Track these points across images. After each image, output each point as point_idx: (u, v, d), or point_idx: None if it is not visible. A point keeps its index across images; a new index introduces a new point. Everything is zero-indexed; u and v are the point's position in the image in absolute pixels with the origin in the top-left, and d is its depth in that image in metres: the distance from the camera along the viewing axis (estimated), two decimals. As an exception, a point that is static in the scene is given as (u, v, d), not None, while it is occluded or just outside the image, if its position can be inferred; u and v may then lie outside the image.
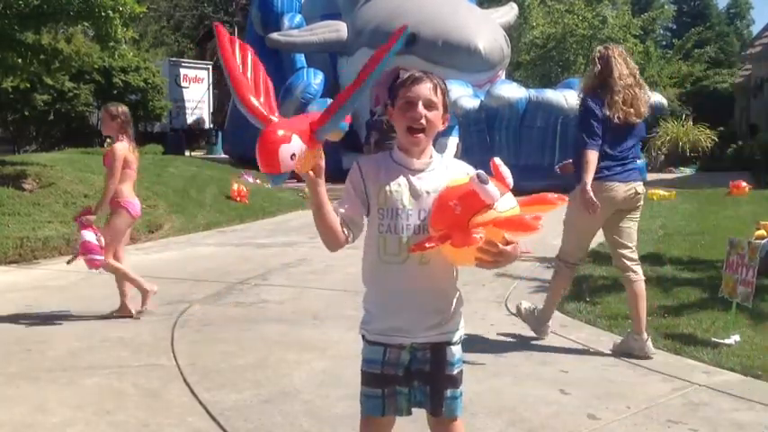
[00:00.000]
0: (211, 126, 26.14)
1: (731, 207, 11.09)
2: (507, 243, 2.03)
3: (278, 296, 6.15)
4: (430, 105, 2.17)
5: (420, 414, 2.31)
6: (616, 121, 4.38)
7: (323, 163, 2.13)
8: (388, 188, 2.18)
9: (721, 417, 3.50)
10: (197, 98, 25.25)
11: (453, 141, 14.33)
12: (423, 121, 2.16)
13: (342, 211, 2.21)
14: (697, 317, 5.10)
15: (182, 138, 23.56)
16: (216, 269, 7.35)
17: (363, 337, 2.30)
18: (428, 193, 2.16)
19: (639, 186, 4.60)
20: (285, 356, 4.51)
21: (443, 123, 2.23)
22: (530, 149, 14.19)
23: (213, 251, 8.66)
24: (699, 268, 6.70)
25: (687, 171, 21.44)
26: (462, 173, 2.19)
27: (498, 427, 3.41)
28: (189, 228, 10.21)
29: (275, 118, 2.16)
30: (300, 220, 11.03)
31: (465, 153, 13.95)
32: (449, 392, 2.24)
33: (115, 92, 20.24)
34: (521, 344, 4.69)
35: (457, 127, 14.25)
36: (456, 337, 2.28)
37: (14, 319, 5.48)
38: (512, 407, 3.64)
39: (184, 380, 4.08)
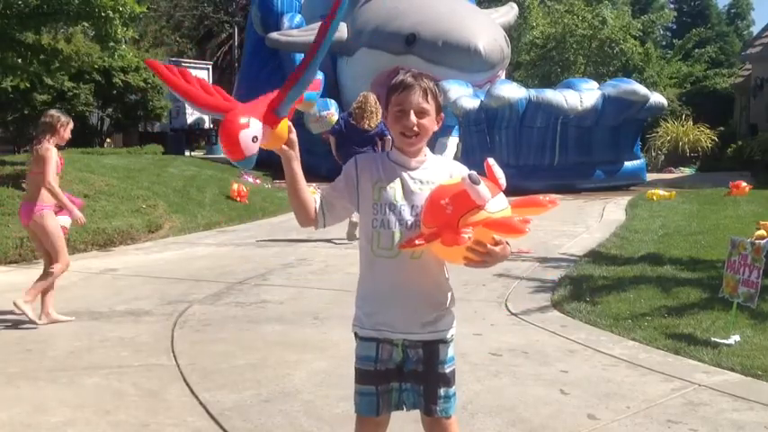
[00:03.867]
0: (211, 126, 26.14)
1: (731, 207, 11.09)
2: (496, 243, 2.05)
3: (278, 296, 6.15)
4: (422, 112, 2.22)
5: (420, 414, 2.31)
6: None
7: (294, 136, 2.21)
8: (382, 183, 2.24)
9: (721, 417, 3.50)
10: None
11: (453, 141, 14.33)
12: (415, 128, 2.21)
13: (324, 194, 2.29)
14: (697, 317, 5.10)
15: (181, 138, 23.56)
16: (216, 269, 7.35)
17: (356, 334, 2.34)
18: (421, 189, 2.20)
19: None
20: (285, 356, 4.51)
21: (438, 124, 2.28)
22: (530, 149, 14.19)
23: (213, 251, 8.66)
24: (699, 268, 6.70)
25: (687, 171, 21.43)
26: (456, 173, 2.22)
27: (498, 427, 3.41)
28: (189, 228, 10.21)
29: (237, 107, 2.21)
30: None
31: (465, 153, 13.98)
32: (442, 391, 2.25)
33: (115, 92, 20.25)
34: (521, 344, 4.69)
35: (457, 127, 14.26)
36: (448, 336, 2.29)
37: (14, 319, 5.47)
38: (512, 407, 3.64)
39: (184, 380, 4.08)
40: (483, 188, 1.99)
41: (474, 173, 2.02)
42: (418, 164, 2.26)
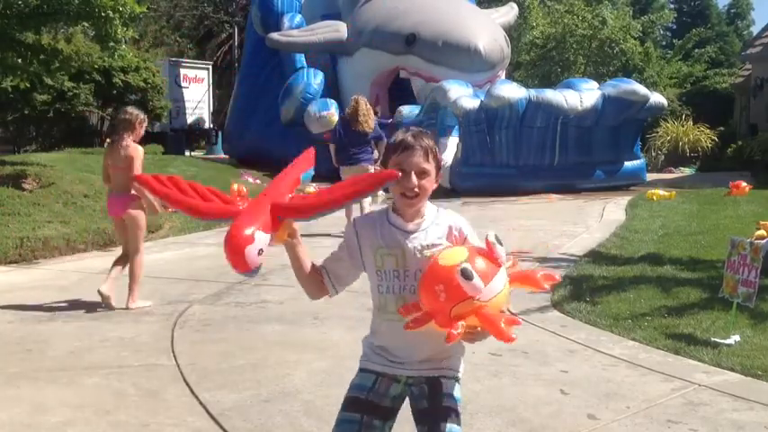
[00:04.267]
0: (211, 126, 26.13)
1: (731, 207, 11.09)
2: None
3: (278, 296, 6.15)
4: (422, 173, 2.21)
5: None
6: None
7: (296, 226, 2.22)
8: (384, 251, 2.24)
9: (721, 417, 3.50)
10: (197, 98, 25.24)
11: (453, 141, 14.33)
12: (416, 190, 2.21)
13: (329, 266, 2.32)
14: (697, 317, 5.10)
15: (182, 138, 23.55)
16: (216, 269, 7.33)
17: (360, 367, 2.34)
18: (422, 255, 2.19)
19: None
20: (285, 356, 4.51)
21: (436, 183, 2.27)
22: (530, 149, 14.18)
23: (213, 251, 8.64)
24: (699, 268, 6.70)
25: (687, 171, 21.42)
26: (455, 227, 2.24)
27: (498, 427, 3.41)
28: (189, 228, 10.20)
29: (239, 205, 2.24)
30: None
31: (465, 153, 13.98)
32: (447, 427, 2.21)
33: (115, 92, 20.24)
34: (521, 344, 4.68)
35: (457, 127, 14.25)
36: (452, 374, 2.29)
37: (14, 319, 5.48)
38: (512, 407, 3.64)
39: (184, 380, 4.08)
40: (477, 281, 2.00)
41: (467, 267, 2.00)
42: (417, 227, 2.24)
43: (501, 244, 2.10)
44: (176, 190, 2.23)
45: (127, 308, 5.73)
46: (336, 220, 10.14)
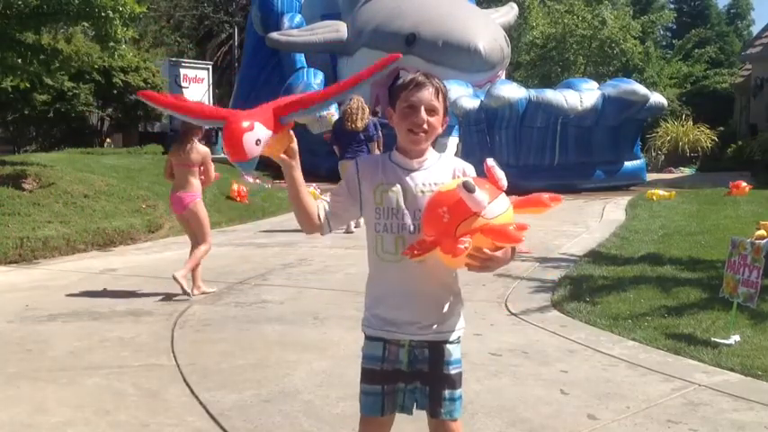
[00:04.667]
0: (212, 126, 26.12)
1: (731, 207, 11.09)
2: (497, 248, 2.04)
3: (278, 296, 6.15)
4: (432, 110, 2.20)
5: (420, 414, 2.31)
6: None
7: (295, 145, 2.20)
8: (384, 187, 2.22)
9: (721, 417, 3.50)
10: (197, 98, 25.25)
11: (453, 141, 14.33)
12: (425, 125, 2.19)
13: (327, 200, 2.29)
14: (697, 317, 5.10)
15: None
16: (216, 269, 7.34)
17: (365, 334, 2.32)
18: (423, 192, 2.19)
19: None
20: (285, 356, 4.51)
21: (442, 126, 2.26)
22: (530, 149, 14.19)
23: (213, 251, 8.62)
24: (699, 268, 6.70)
25: (687, 171, 21.43)
26: (459, 168, 2.24)
27: (498, 427, 3.41)
28: (189, 228, 10.20)
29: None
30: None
31: (465, 153, 13.97)
32: (447, 393, 2.24)
33: (115, 92, 20.24)
34: (521, 344, 4.69)
35: (457, 127, 14.25)
36: (453, 337, 2.28)
37: (14, 319, 5.48)
38: (512, 407, 3.64)
39: (184, 380, 4.08)
40: (479, 195, 1.97)
41: (469, 180, 2.00)
42: (420, 165, 2.23)
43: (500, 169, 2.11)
44: (175, 100, 2.25)
45: (191, 293, 6.07)
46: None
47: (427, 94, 2.20)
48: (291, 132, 2.18)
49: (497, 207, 2.03)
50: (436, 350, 2.25)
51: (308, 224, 2.27)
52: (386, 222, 2.21)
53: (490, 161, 2.11)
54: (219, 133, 24.47)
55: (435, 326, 2.24)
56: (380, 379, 2.25)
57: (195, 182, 6.32)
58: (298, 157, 2.21)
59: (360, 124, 9.41)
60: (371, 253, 2.28)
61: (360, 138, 9.41)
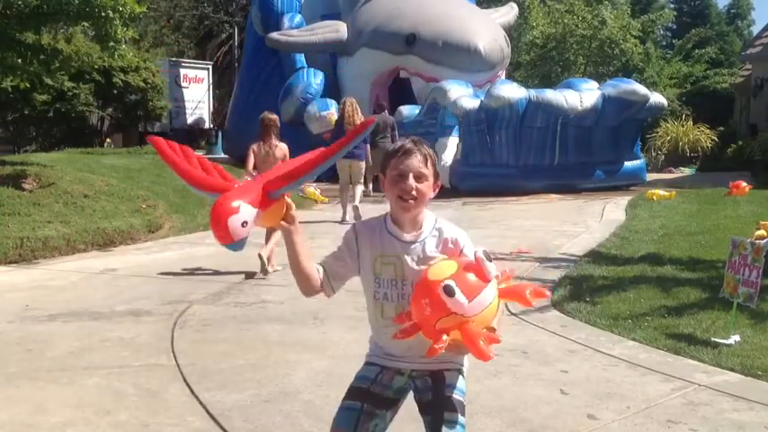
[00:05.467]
0: (211, 126, 26.13)
1: (731, 207, 11.09)
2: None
3: (278, 296, 6.15)
4: (420, 177, 2.23)
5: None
6: None
7: (294, 212, 2.21)
8: (383, 260, 2.26)
9: (721, 417, 3.50)
10: (197, 98, 25.26)
11: (453, 141, 14.33)
12: (414, 192, 2.22)
13: (327, 262, 2.31)
14: (697, 317, 5.10)
15: (182, 138, 23.55)
16: (216, 269, 7.35)
17: (366, 361, 2.37)
18: (419, 266, 2.22)
19: None
20: (285, 356, 4.51)
21: (434, 191, 2.29)
22: (530, 149, 14.18)
23: (213, 251, 8.64)
24: (699, 268, 6.70)
25: (687, 171, 21.42)
26: (451, 240, 2.26)
27: (498, 427, 3.41)
28: (189, 228, 10.20)
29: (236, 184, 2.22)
30: (300, 221, 11.01)
31: (465, 153, 13.98)
32: (448, 416, 2.22)
33: (115, 92, 20.25)
34: (521, 344, 4.69)
35: (457, 127, 14.26)
36: (455, 367, 2.30)
37: (14, 319, 5.48)
38: (512, 407, 3.64)
39: (184, 380, 4.09)
40: (459, 297, 2.02)
41: (450, 284, 2.03)
42: (415, 238, 2.26)
43: (490, 260, 2.12)
44: (183, 157, 2.25)
45: (270, 270, 6.88)
46: (334, 227, 10.16)
47: (416, 161, 2.23)
48: (288, 200, 2.19)
49: (479, 303, 2.07)
50: (439, 377, 2.27)
51: (309, 288, 2.29)
52: (386, 292, 2.26)
53: (479, 253, 2.13)
54: (220, 134, 24.53)
55: (439, 357, 2.22)
56: (364, 397, 2.26)
57: None
58: (297, 222, 2.22)
59: (355, 122, 10.31)
60: (371, 316, 2.33)
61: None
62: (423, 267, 2.19)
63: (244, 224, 2.05)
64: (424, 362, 2.24)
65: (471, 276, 2.09)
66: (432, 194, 2.28)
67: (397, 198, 2.23)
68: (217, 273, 7.18)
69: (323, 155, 2.22)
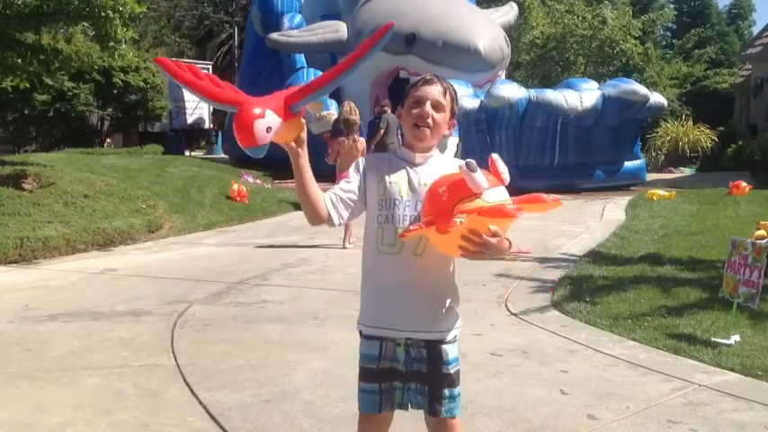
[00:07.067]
0: (211, 126, 26.13)
1: (731, 207, 11.09)
2: (493, 235, 2.01)
3: (278, 296, 6.15)
4: (437, 106, 2.23)
5: (420, 414, 2.32)
6: None
7: (304, 135, 2.19)
8: (387, 179, 2.24)
9: (721, 417, 3.50)
10: (197, 98, 25.22)
11: (453, 141, 14.32)
12: (429, 120, 2.21)
13: (334, 191, 2.26)
14: (697, 317, 5.10)
15: (182, 138, 23.57)
16: (216, 269, 7.35)
17: (360, 332, 2.33)
18: (425, 184, 2.19)
19: None
20: (285, 356, 4.51)
21: (449, 128, 2.28)
22: (530, 149, 14.19)
23: (213, 251, 8.66)
24: (699, 268, 6.70)
25: (687, 171, 21.43)
26: (462, 165, 2.22)
27: (498, 427, 3.41)
28: (189, 228, 10.21)
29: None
30: (301, 221, 11.01)
31: (465, 153, 13.98)
32: (446, 392, 2.24)
33: (115, 92, 20.25)
34: (521, 344, 4.69)
35: (457, 127, 14.26)
36: (450, 336, 2.28)
37: (14, 319, 5.48)
38: (512, 407, 3.64)
39: (184, 380, 4.08)
40: (479, 176, 1.99)
41: (471, 161, 2.01)
42: (424, 159, 2.26)
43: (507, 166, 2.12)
44: (191, 74, 2.23)
45: (344, 247, 8.29)
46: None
47: (434, 90, 2.24)
48: (303, 120, 2.19)
49: (496, 195, 2.04)
50: (434, 350, 2.24)
51: (315, 213, 2.22)
52: (387, 213, 2.22)
53: (495, 155, 2.14)
54: (219, 134, 24.51)
55: (433, 324, 2.24)
56: (378, 377, 2.26)
57: None
58: (305, 145, 2.19)
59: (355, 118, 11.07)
60: (370, 249, 2.27)
61: (358, 130, 11.17)
62: (428, 185, 2.16)
63: (268, 129, 2.06)
64: (418, 330, 2.23)
65: (488, 174, 2.06)
66: (447, 131, 2.27)
67: (413, 126, 2.22)
68: (217, 273, 7.18)
69: (338, 69, 2.25)
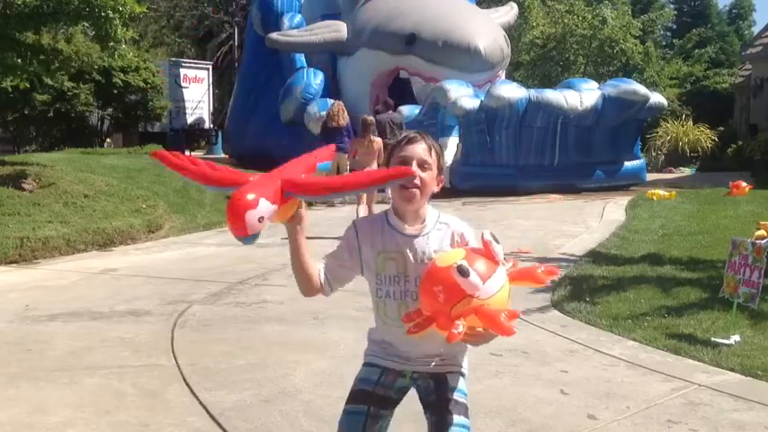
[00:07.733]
0: (211, 126, 26.13)
1: (731, 207, 11.09)
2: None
3: (278, 296, 6.15)
4: (424, 165, 2.17)
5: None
6: None
7: (303, 211, 2.15)
8: (385, 255, 2.20)
9: (721, 417, 3.50)
10: (197, 98, 25.24)
11: (453, 141, 14.33)
12: (417, 180, 2.15)
13: (327, 263, 2.25)
14: (697, 317, 5.10)
15: (181, 138, 23.56)
16: (216, 269, 7.34)
17: (364, 362, 2.32)
18: (423, 261, 2.16)
19: None
20: (285, 356, 4.51)
21: (438, 185, 2.23)
22: (530, 149, 14.18)
23: (213, 251, 8.66)
24: (699, 268, 6.70)
25: (687, 171, 21.43)
26: (457, 233, 2.21)
27: (498, 427, 3.41)
28: (189, 228, 10.21)
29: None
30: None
31: (465, 153, 13.98)
32: (454, 418, 2.19)
33: (115, 92, 20.24)
34: (521, 344, 4.68)
35: (457, 127, 14.26)
36: (456, 370, 2.27)
37: (14, 319, 5.48)
38: (512, 407, 3.64)
39: (184, 380, 4.08)
40: (473, 278, 1.97)
41: (463, 264, 1.97)
42: (419, 231, 2.20)
43: (498, 242, 2.06)
44: (188, 162, 2.22)
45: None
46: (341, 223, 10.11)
47: (419, 148, 2.17)
48: (300, 201, 2.15)
49: (492, 286, 2.03)
50: (441, 380, 2.24)
51: (308, 288, 2.23)
52: (388, 289, 2.20)
53: (487, 235, 2.07)
54: (220, 134, 24.52)
55: (440, 358, 2.23)
56: (369, 400, 2.22)
57: (375, 165, 9.40)
58: (304, 221, 2.16)
59: (342, 122, 12.47)
60: (375, 314, 2.28)
61: (342, 132, 12.31)
62: (426, 263, 2.12)
63: (260, 219, 2.03)
64: (426, 364, 2.22)
65: (480, 260, 2.03)
66: (436, 188, 2.21)
67: (400, 187, 2.15)
68: (217, 273, 7.18)
69: (346, 185, 2.21)
